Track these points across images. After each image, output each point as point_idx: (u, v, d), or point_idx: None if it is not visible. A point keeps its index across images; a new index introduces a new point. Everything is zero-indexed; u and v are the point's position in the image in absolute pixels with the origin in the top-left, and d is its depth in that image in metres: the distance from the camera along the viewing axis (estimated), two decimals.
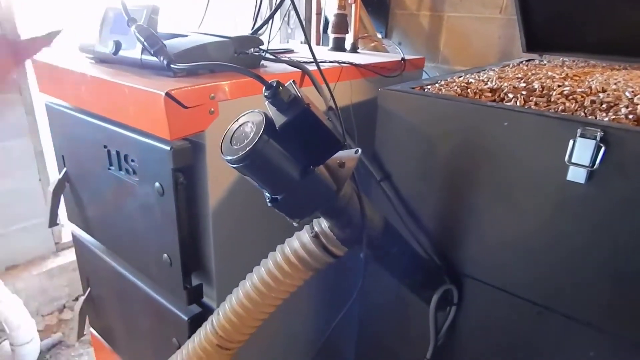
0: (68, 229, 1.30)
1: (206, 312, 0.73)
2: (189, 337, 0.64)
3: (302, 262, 0.54)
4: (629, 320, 0.56)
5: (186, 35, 0.73)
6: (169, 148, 0.61)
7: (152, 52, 0.55)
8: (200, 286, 0.72)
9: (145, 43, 0.56)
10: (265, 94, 0.40)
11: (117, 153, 0.71)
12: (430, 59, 1.49)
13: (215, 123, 0.63)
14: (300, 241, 0.55)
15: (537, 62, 1.08)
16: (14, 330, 1.19)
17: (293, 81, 0.43)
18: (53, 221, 0.90)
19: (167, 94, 0.57)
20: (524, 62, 1.07)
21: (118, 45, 0.70)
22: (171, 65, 0.53)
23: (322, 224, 0.55)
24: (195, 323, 0.71)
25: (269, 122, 0.41)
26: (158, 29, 0.67)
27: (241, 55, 0.74)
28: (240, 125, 0.43)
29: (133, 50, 0.68)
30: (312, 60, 0.81)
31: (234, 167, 0.41)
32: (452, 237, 0.70)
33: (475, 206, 0.66)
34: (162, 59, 0.54)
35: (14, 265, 1.34)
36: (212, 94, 0.62)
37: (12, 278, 1.30)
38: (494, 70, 0.91)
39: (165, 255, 0.69)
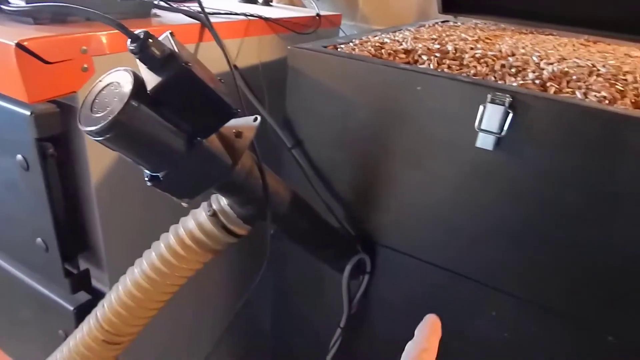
0: None
1: (96, 299, 0.63)
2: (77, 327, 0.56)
3: (199, 244, 0.48)
4: (532, 282, 0.58)
5: None
6: (28, 113, 0.50)
7: None
8: (87, 271, 0.63)
9: None
10: (131, 47, 0.32)
11: None
12: (349, 17, 1.43)
13: (90, 83, 0.53)
14: (196, 221, 0.48)
15: (451, 23, 1.07)
16: None
17: (170, 33, 0.35)
18: None
19: (19, 45, 0.45)
20: (439, 23, 1.05)
21: None
22: (1, 6, 0.41)
23: (221, 200, 0.48)
24: (84, 312, 0.62)
25: (138, 84, 0.33)
26: None
27: (127, 2, 0.62)
28: (103, 88, 0.34)
29: None
30: (215, 11, 0.71)
31: (96, 140, 0.33)
32: (365, 205, 0.67)
33: (388, 173, 0.63)
34: None
35: None
36: (83, 47, 0.51)
37: None
38: (409, 30, 0.88)
39: (39, 239, 0.59)
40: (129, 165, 0.59)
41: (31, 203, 0.57)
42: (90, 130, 0.33)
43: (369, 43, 0.71)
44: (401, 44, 0.70)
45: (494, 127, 0.51)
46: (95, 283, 0.66)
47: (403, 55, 0.65)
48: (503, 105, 0.50)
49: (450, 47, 0.67)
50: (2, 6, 0.42)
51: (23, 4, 0.50)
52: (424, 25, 0.97)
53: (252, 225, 0.50)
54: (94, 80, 0.52)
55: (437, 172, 0.59)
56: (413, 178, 0.61)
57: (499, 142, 0.52)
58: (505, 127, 0.51)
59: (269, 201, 0.48)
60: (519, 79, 0.57)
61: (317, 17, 0.94)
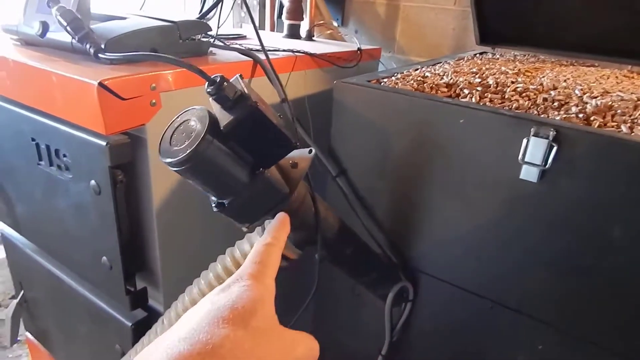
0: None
1: (152, 317, 0.68)
2: (133, 343, 0.60)
3: None
4: (575, 315, 0.57)
5: (125, 18, 0.67)
6: (104, 144, 0.55)
7: (76, 39, 0.49)
8: (145, 290, 0.67)
9: (68, 28, 0.49)
10: (208, 90, 0.36)
11: (47, 147, 0.64)
12: (387, 49, 1.48)
13: (157, 116, 0.58)
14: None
15: (490, 55, 1.09)
16: None
17: (240, 75, 0.39)
18: None
19: (101, 84, 0.51)
20: (477, 55, 1.08)
21: (45, 27, 0.63)
22: (99, 55, 0.47)
23: None
24: (140, 328, 0.66)
25: (212, 121, 0.37)
26: (92, 9, 0.61)
27: (187, 42, 0.69)
28: (180, 124, 0.39)
29: (63, 33, 0.61)
30: (265, 48, 0.76)
31: (174, 171, 0.37)
32: (407, 233, 0.69)
33: (430, 203, 0.65)
34: (88, 46, 0.48)
35: None
36: (153, 84, 0.57)
37: None
38: (449, 63, 0.91)
39: (104, 258, 0.64)
40: (187, 192, 0.64)
41: (99, 225, 0.62)
42: (170, 162, 0.37)
43: (411, 77, 0.74)
44: (442, 78, 0.73)
45: (538, 160, 0.53)
46: (150, 302, 0.70)
47: (445, 89, 0.68)
48: (547, 138, 0.51)
49: (491, 81, 0.69)
50: (99, 55, 0.47)
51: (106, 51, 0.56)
52: (462, 58, 1.00)
53: (303, 249, 0.52)
54: (161, 113, 0.58)
55: (477, 202, 0.61)
56: (453, 207, 0.63)
57: (543, 174, 0.53)
58: (550, 160, 0.52)
59: (320, 227, 0.50)
60: (562, 112, 0.58)
61: (359, 52, 0.99)
